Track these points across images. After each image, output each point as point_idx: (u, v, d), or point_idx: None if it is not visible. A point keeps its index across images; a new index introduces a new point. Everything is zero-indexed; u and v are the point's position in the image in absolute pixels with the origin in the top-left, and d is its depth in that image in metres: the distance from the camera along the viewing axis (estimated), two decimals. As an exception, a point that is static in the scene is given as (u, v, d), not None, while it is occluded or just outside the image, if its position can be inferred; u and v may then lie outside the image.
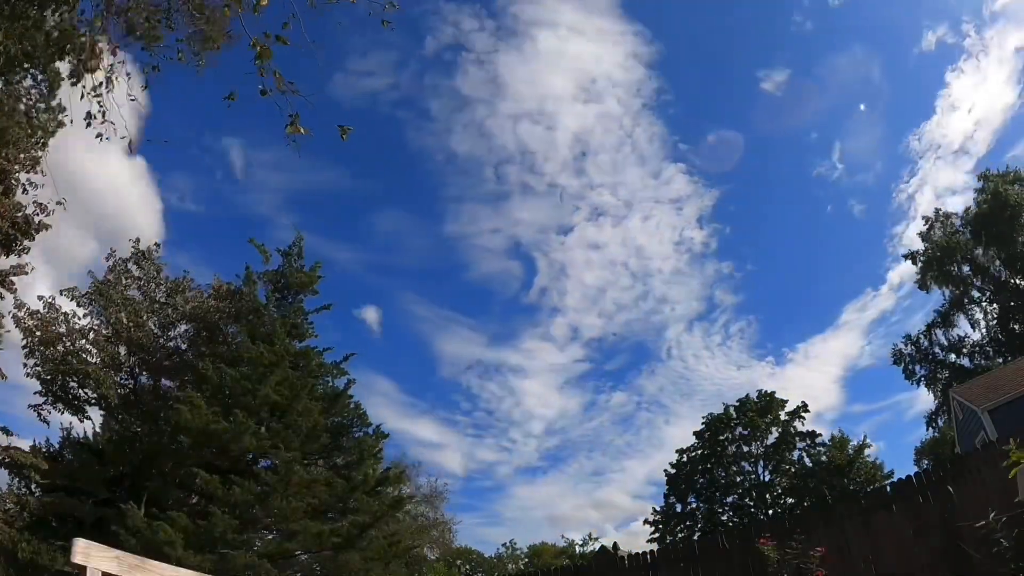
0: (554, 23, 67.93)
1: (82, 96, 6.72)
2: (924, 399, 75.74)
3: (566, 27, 68.15)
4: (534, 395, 78.97)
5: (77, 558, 2.97)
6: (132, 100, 6.99)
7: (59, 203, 13.08)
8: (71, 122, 7.11)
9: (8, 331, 17.81)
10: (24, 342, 20.22)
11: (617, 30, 68.76)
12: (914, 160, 74.01)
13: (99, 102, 6.78)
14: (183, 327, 22.43)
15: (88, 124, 6.74)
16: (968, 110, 70.74)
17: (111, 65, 6.87)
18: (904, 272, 73.62)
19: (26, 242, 15.29)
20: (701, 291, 78.71)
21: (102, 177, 36.46)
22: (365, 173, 67.88)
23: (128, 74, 6.92)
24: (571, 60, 69.29)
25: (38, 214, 15.11)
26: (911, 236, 73.44)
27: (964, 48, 69.64)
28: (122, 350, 21.63)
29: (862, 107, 75.17)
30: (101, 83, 6.85)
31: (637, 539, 52.08)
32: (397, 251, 72.37)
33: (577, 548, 54.04)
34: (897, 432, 75.89)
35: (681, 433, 77.38)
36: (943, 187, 71.51)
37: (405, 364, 75.77)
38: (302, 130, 5.61)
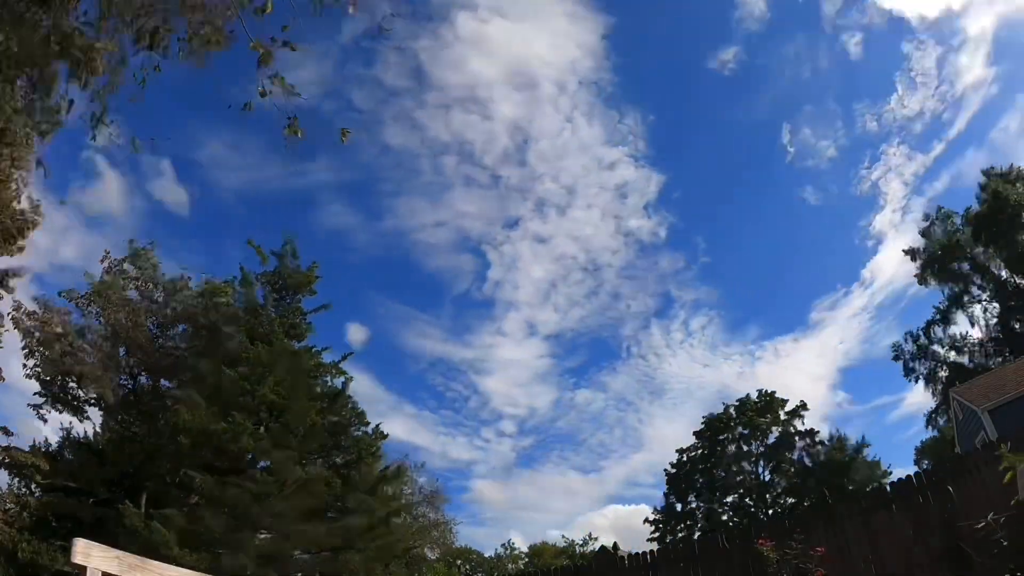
0: (473, 4, 65.22)
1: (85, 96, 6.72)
2: (910, 399, 75.81)
3: (487, 7, 65.44)
4: (500, 393, 77.88)
5: (77, 558, 2.97)
6: (133, 101, 6.99)
7: (61, 202, 13.08)
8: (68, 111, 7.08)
9: (7, 330, 17.82)
10: (23, 343, 20.24)
11: (552, 9, 66.73)
12: (875, 144, 72.43)
13: (100, 102, 6.78)
14: (181, 327, 22.44)
15: (94, 127, 6.74)
16: (933, 88, 68.71)
17: (111, 65, 6.87)
18: (878, 268, 72.51)
19: (20, 241, 15.29)
20: (655, 286, 77.78)
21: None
22: (301, 171, 66.50)
23: (134, 75, 6.91)
24: (497, 43, 66.63)
25: (32, 213, 15.10)
26: (880, 227, 72.28)
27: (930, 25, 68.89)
28: (121, 350, 21.65)
29: (816, 89, 73.64)
30: (100, 84, 6.84)
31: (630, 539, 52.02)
32: (341, 248, 69.79)
33: (577, 548, 54.09)
34: (883, 432, 75.43)
35: (655, 433, 75.82)
36: (911, 173, 70.96)
37: (371, 361, 75.07)
38: (299, 133, 5.62)
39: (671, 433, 76.03)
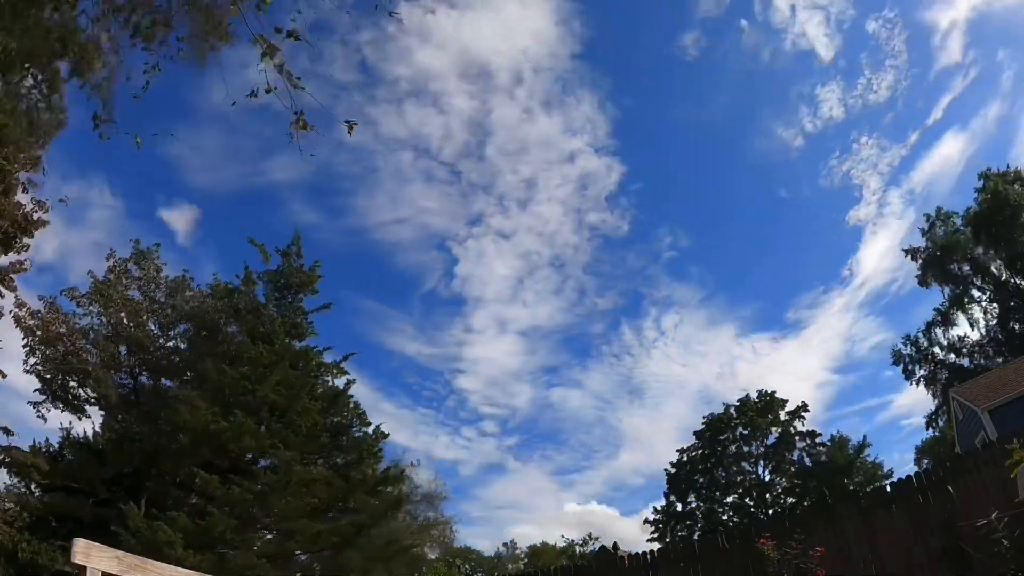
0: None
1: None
2: (900, 400, 75.26)
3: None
4: (477, 392, 78.78)
5: (77, 558, 2.97)
6: (136, 99, 6.99)
7: (61, 200, 13.10)
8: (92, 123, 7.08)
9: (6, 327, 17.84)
10: (24, 341, 20.25)
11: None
12: (845, 133, 71.32)
13: (102, 100, 6.78)
14: (183, 327, 22.43)
15: (96, 125, 6.73)
16: (904, 72, 67.68)
17: (112, 65, 6.87)
18: (859, 265, 71.87)
19: (25, 239, 15.30)
20: (623, 283, 76.99)
21: None
22: (260, 171, 65.35)
23: (128, 77, 6.91)
24: (445, 33, 64.16)
25: (36, 212, 15.12)
26: (858, 221, 71.23)
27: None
28: (122, 350, 21.65)
29: (780, 75, 72.63)
30: (100, 83, 6.84)
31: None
32: (306, 246, 69.79)
33: (577, 548, 54.11)
34: (873, 433, 74.89)
35: (636, 433, 75.75)
36: (886, 164, 69.80)
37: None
38: (308, 128, 5.61)
39: (652, 433, 75.59)
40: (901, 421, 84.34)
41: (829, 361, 75.18)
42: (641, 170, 75.61)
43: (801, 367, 70.16)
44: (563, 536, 59.64)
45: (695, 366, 74.40)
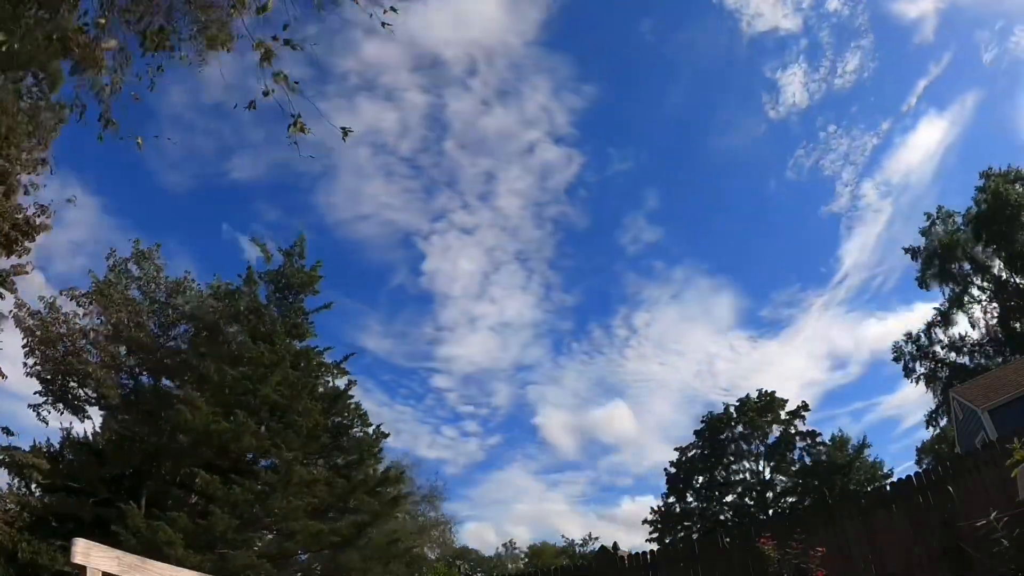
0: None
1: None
2: (890, 402, 74.69)
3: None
4: (453, 390, 77.68)
5: (77, 558, 2.97)
6: (136, 100, 7.00)
7: (69, 200, 13.06)
8: (82, 118, 7.08)
9: (2, 330, 17.81)
10: (24, 342, 20.24)
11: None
12: (811, 121, 69.44)
13: (102, 102, 6.78)
14: (183, 327, 22.43)
15: (104, 127, 6.74)
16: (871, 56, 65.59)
17: (115, 69, 6.87)
18: (838, 262, 71.27)
19: (27, 243, 15.27)
20: (589, 279, 75.88)
21: None
22: (220, 171, 64.17)
23: (137, 77, 6.92)
24: (394, 23, 64.87)
25: (39, 215, 15.09)
26: (834, 216, 69.67)
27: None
28: (122, 350, 21.64)
29: (739, 61, 70.91)
30: (103, 84, 6.85)
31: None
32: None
33: (577, 548, 54.12)
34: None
35: (619, 433, 75.10)
36: (859, 154, 67.84)
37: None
38: (305, 131, 5.62)
39: (636, 432, 74.72)
40: (891, 420, 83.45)
41: (813, 360, 74.27)
42: (601, 160, 74.44)
43: (783, 366, 69.89)
44: (563, 536, 59.72)
45: (673, 364, 73.82)
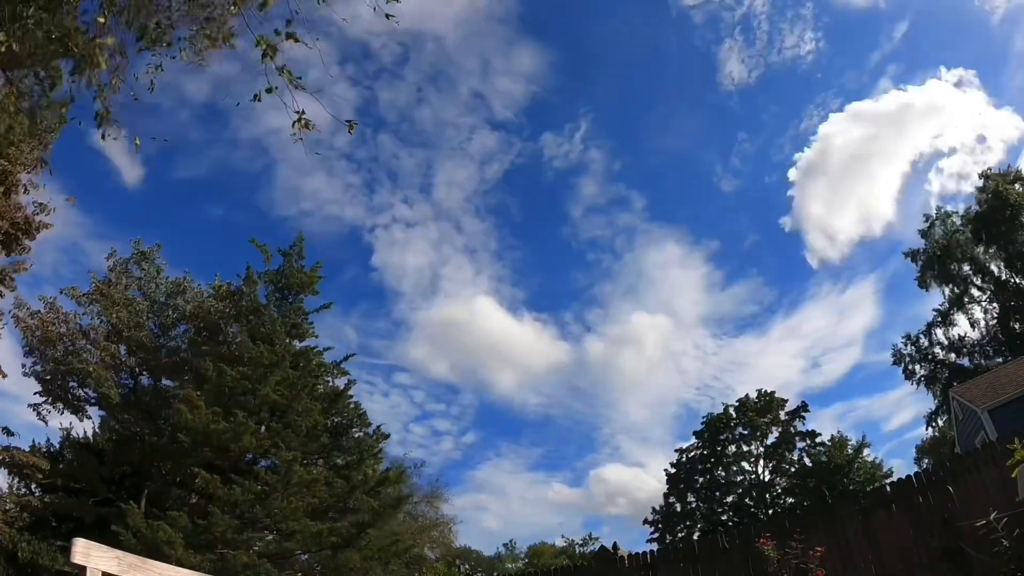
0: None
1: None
2: (876, 405, 73.82)
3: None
4: (419, 388, 75.97)
5: (77, 558, 2.97)
6: (136, 100, 7.00)
7: (67, 200, 13.06)
8: (80, 123, 7.09)
9: (5, 324, 17.81)
10: (24, 341, 20.26)
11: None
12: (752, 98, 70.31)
13: (102, 101, 6.78)
14: (183, 327, 22.43)
15: (100, 126, 6.74)
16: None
17: (115, 68, 6.87)
18: (811, 259, 70.47)
19: (27, 241, 15.29)
20: (537, 277, 74.86)
21: None
22: (159, 170, 63.40)
23: (136, 77, 6.92)
24: (322, 16, 63.34)
25: (38, 214, 15.11)
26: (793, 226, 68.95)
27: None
28: (122, 350, 21.64)
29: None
30: (103, 84, 6.84)
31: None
32: (223, 242, 65.52)
33: (577, 548, 54.13)
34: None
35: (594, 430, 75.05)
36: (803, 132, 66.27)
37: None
38: (310, 127, 5.62)
39: (613, 432, 74.69)
40: (878, 420, 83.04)
41: (789, 359, 73.67)
42: (541, 146, 73.51)
43: (760, 366, 69.63)
44: (563, 536, 59.72)
45: (640, 361, 72.82)
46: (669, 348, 73.06)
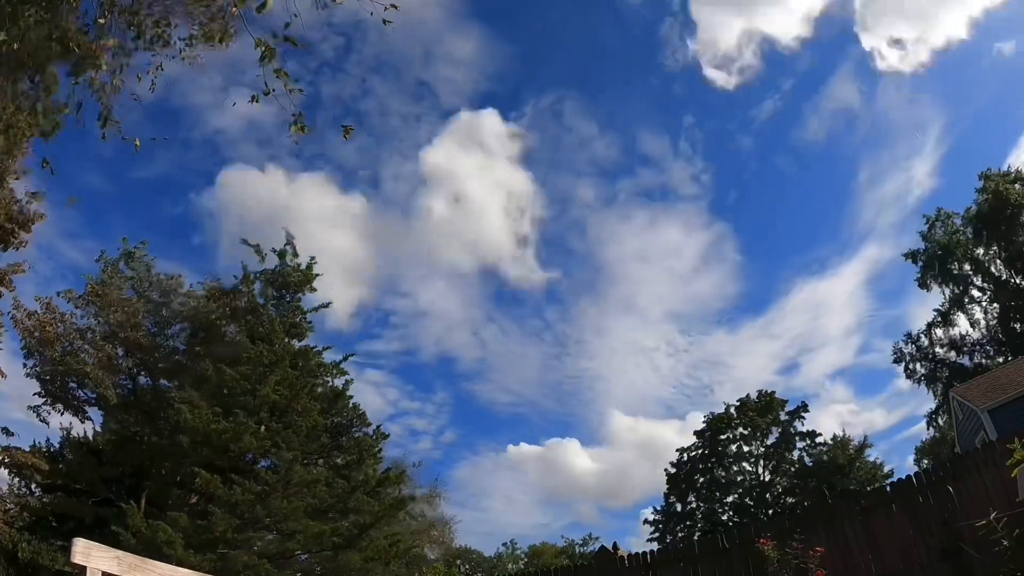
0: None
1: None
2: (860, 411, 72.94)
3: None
4: (391, 385, 73.21)
5: (77, 558, 2.97)
6: (135, 99, 7.01)
7: (71, 199, 13.00)
8: (84, 125, 7.08)
9: (6, 329, 17.78)
10: (23, 342, 20.24)
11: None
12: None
13: (103, 101, 6.79)
14: (179, 327, 22.41)
15: (103, 125, 6.74)
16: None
17: (115, 68, 6.87)
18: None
19: (23, 235, 15.14)
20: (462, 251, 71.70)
21: None
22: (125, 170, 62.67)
23: (138, 77, 6.93)
24: None
25: (30, 202, 14.86)
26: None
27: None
28: (120, 350, 21.62)
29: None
30: (103, 83, 6.85)
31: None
32: (182, 235, 63.96)
33: (577, 548, 54.13)
34: None
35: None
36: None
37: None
38: (305, 131, 5.62)
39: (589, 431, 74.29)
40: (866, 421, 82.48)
41: (765, 360, 73.76)
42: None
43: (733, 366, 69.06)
44: (563, 536, 59.72)
45: (604, 359, 72.29)
46: (640, 344, 72.76)
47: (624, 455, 70.03)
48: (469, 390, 76.30)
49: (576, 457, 70.30)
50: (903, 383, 44.50)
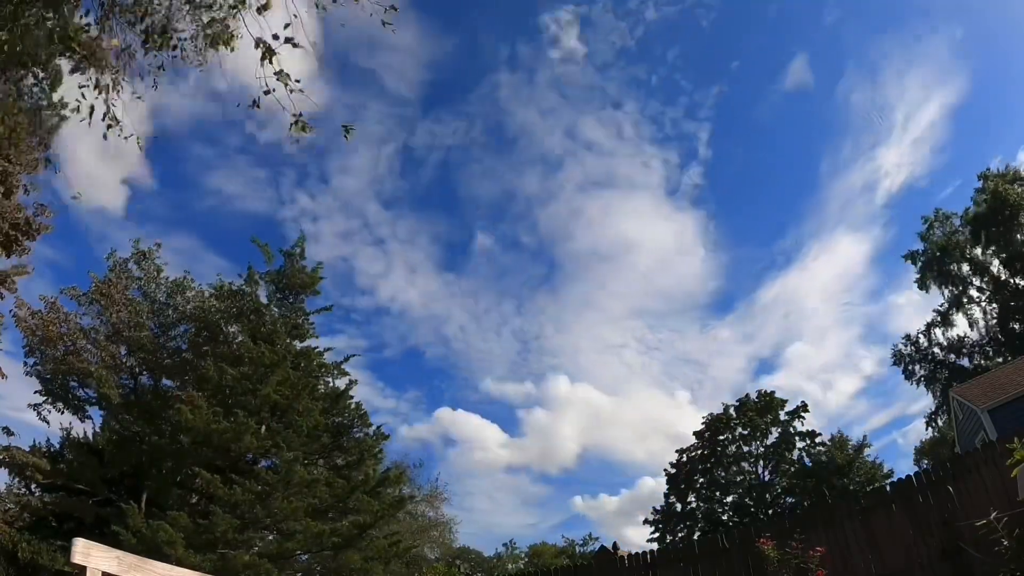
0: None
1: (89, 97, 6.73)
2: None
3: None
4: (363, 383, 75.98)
5: (77, 558, 2.97)
6: (137, 98, 7.01)
7: (74, 197, 13.00)
8: (89, 125, 7.08)
9: (6, 328, 17.79)
10: (25, 342, 20.26)
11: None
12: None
13: (105, 101, 6.78)
14: (183, 327, 22.43)
15: (108, 127, 6.75)
16: None
17: (117, 68, 6.88)
18: None
19: (27, 242, 15.24)
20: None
21: None
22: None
23: (140, 76, 6.92)
24: None
25: (38, 215, 15.07)
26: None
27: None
28: (122, 350, 21.64)
29: None
30: (107, 83, 6.85)
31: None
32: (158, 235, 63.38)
33: (577, 548, 54.15)
34: None
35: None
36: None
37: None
38: (307, 130, 5.62)
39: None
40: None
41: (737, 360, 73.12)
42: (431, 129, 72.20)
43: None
44: (563, 536, 59.74)
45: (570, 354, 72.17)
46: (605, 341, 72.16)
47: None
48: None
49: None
50: (888, 381, 44.50)
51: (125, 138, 6.97)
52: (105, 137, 6.75)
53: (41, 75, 9.45)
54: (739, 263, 77.69)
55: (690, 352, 73.37)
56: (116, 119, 6.76)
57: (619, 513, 68.39)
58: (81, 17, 6.74)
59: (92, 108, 6.70)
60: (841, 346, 72.40)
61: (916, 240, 43.46)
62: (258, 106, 5.87)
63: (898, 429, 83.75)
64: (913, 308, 62.62)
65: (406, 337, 75.17)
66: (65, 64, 7.69)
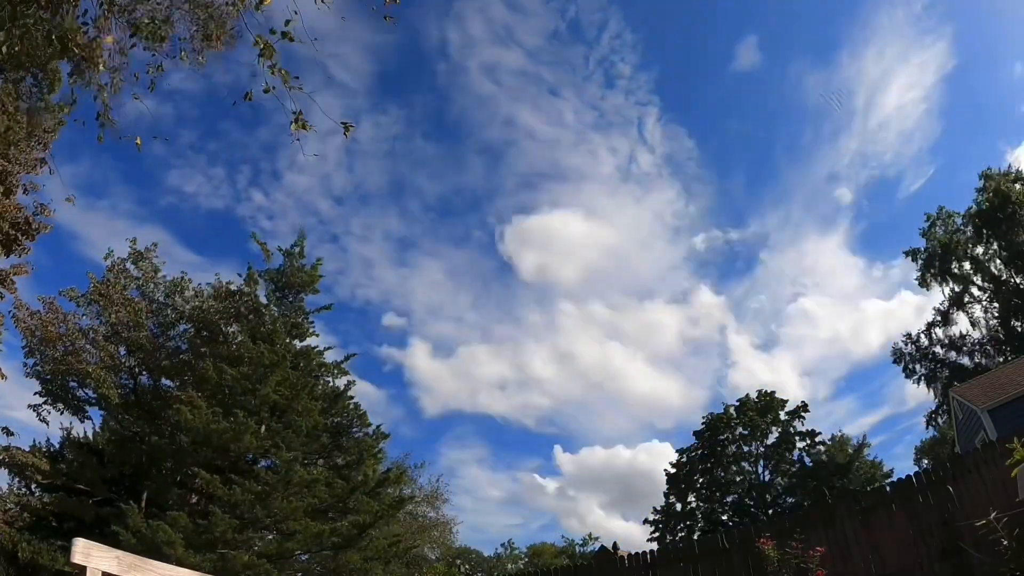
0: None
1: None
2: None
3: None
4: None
5: (77, 558, 2.97)
6: (136, 99, 7.00)
7: (68, 199, 13.00)
8: (83, 124, 7.06)
9: (7, 329, 17.78)
10: (24, 342, 20.25)
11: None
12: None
13: (102, 101, 6.77)
14: (182, 327, 22.41)
15: (102, 126, 6.73)
16: None
17: (114, 67, 6.87)
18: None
19: (27, 242, 15.24)
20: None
21: None
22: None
23: (136, 75, 6.91)
24: None
25: (38, 215, 15.07)
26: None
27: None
28: (121, 350, 21.62)
29: None
30: (104, 83, 6.85)
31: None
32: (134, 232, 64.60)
33: (577, 548, 54.14)
34: None
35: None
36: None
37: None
38: (307, 128, 5.60)
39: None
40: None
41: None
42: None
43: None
44: (563, 536, 59.74)
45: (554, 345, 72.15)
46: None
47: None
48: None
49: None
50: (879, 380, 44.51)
51: (123, 139, 6.96)
52: (100, 139, 6.74)
53: (40, 76, 9.45)
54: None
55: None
56: (111, 120, 6.74)
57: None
58: (79, 17, 6.73)
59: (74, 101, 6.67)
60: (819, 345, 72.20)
61: (886, 230, 43.59)
62: (250, 98, 5.84)
63: (897, 428, 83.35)
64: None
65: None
66: (63, 66, 7.69)
